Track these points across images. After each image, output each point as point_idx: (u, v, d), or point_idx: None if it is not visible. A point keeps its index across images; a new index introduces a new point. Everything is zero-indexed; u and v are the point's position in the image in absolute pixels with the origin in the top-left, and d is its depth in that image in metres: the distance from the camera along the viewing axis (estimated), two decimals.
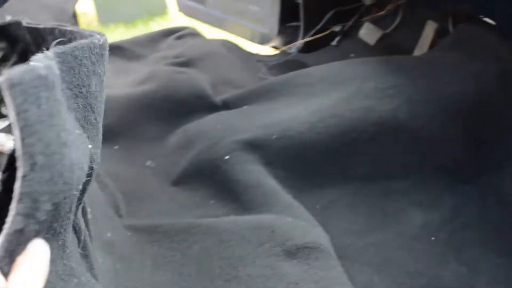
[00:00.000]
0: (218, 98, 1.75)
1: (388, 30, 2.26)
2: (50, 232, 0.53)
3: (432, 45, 2.02)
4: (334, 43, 2.42)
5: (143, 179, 1.43)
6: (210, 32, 2.72)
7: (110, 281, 0.95)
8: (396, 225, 1.27)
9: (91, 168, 0.67)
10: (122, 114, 1.64)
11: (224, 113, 1.65)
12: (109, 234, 1.07)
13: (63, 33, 1.04)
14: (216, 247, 1.10)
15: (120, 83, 1.94)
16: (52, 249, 0.53)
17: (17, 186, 0.45)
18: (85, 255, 0.83)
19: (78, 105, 0.64)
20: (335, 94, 1.51)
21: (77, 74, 0.63)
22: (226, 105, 1.72)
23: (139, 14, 4.62)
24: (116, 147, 1.56)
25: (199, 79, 1.82)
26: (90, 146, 0.66)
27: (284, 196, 1.27)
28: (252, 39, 2.64)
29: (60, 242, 0.57)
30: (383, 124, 1.39)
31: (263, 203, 1.23)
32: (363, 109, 1.42)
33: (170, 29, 2.57)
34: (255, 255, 1.06)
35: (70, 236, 0.63)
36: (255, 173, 1.31)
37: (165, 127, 1.63)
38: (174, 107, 1.69)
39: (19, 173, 0.45)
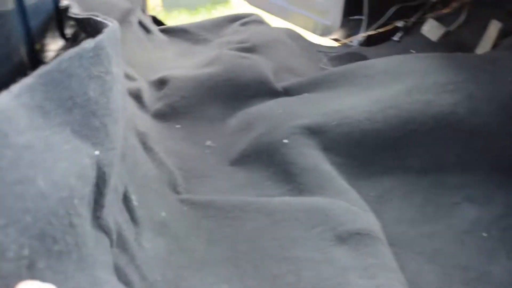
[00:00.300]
0: (279, 85, 1.77)
1: (451, 28, 2.24)
2: (53, 257, 0.54)
3: (495, 45, 2.00)
4: (395, 38, 2.42)
5: (202, 158, 1.46)
6: (273, 21, 2.74)
7: (161, 264, 0.98)
8: (449, 218, 1.27)
9: (102, 174, 0.69)
10: (185, 95, 1.68)
11: (285, 99, 1.67)
12: (163, 214, 1.10)
13: (95, 23, 1.08)
14: (268, 227, 1.11)
15: (184, 64, 1.98)
16: (66, 268, 0.55)
17: None
18: (124, 249, 0.86)
19: (75, 116, 0.65)
20: (395, 86, 1.52)
21: (68, 87, 0.64)
22: (287, 92, 1.74)
23: (202, 2, 4.68)
24: (178, 126, 1.60)
25: (262, 65, 1.84)
26: (97, 152, 0.67)
27: (339, 181, 1.28)
28: (314, 31, 2.66)
29: (75, 257, 0.58)
30: (442, 118, 1.39)
31: (318, 186, 1.25)
32: (422, 102, 1.42)
33: (236, 15, 2.58)
34: (307, 238, 1.08)
35: (92, 244, 0.65)
36: (312, 157, 1.33)
37: (226, 109, 1.66)
38: (236, 91, 1.72)
39: None
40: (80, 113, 0.66)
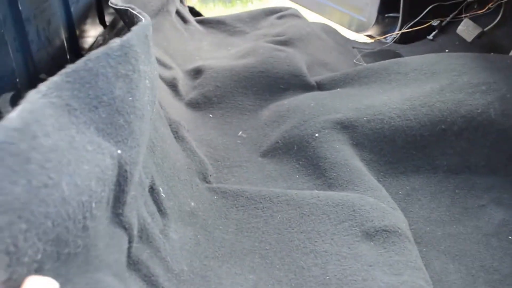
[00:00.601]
0: (313, 79, 1.78)
1: (486, 28, 2.23)
2: (60, 260, 0.55)
3: None
4: (430, 37, 2.41)
5: (233, 148, 1.48)
6: (309, 16, 2.74)
7: (188, 254, 1.00)
8: (475, 220, 1.28)
9: (124, 172, 0.70)
10: (220, 85, 1.70)
11: (317, 93, 1.68)
12: (192, 204, 1.13)
13: (132, 16, 1.10)
14: (297, 219, 1.13)
15: (220, 55, 2.00)
16: (68, 271, 0.57)
17: None
18: (148, 242, 0.88)
19: (100, 115, 0.66)
20: (428, 84, 1.53)
21: (95, 86, 0.65)
22: (320, 86, 1.75)
23: None
24: (211, 115, 1.62)
25: (297, 59, 1.85)
26: (119, 151, 0.69)
27: (369, 177, 1.29)
28: (349, 27, 2.66)
29: (81, 259, 0.60)
30: (473, 119, 1.40)
31: (347, 182, 1.26)
32: (454, 101, 1.43)
33: (273, 8, 2.58)
34: (334, 232, 1.09)
35: (104, 244, 0.66)
36: (343, 153, 1.34)
37: (259, 101, 1.68)
38: (270, 83, 1.73)
39: None
40: (105, 111, 0.67)
